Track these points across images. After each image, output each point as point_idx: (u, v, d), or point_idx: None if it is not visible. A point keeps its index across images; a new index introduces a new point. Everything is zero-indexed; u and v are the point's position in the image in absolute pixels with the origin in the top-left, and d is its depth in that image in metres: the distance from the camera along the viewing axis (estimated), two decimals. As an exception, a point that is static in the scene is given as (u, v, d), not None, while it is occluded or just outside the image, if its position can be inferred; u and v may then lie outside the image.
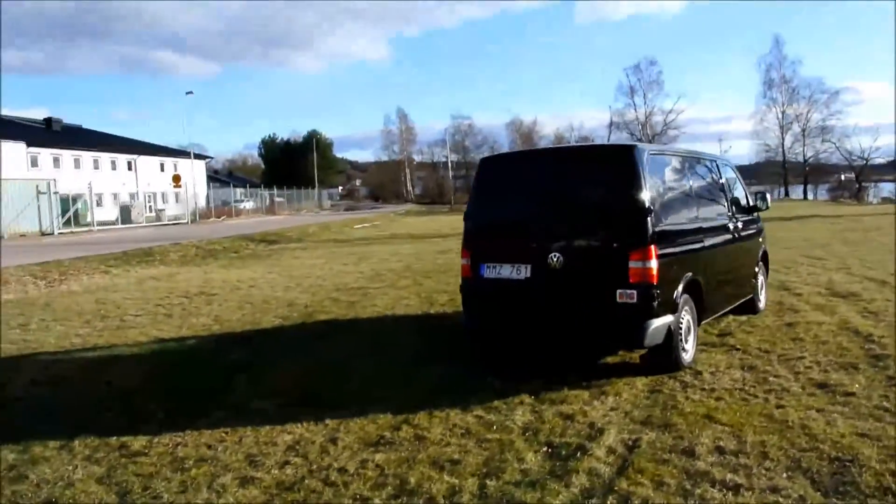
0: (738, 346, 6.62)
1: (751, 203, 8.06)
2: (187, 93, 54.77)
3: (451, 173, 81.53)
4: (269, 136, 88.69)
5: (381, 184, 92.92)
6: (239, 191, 61.50)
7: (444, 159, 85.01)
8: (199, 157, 64.64)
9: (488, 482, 3.83)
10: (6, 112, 48.89)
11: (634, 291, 5.37)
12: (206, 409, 5.36)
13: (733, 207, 7.40)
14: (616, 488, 3.68)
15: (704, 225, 6.44)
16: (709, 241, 6.48)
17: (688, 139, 71.87)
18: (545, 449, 4.30)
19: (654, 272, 5.37)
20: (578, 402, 5.14)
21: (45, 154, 42.42)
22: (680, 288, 5.74)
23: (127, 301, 11.56)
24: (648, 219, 5.41)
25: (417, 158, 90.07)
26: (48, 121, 52.17)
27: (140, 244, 22.34)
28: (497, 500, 3.62)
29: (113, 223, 35.23)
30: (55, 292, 13.28)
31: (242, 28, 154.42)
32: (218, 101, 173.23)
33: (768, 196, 8.26)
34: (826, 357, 6.11)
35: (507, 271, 5.95)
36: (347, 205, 78.96)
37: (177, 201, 46.06)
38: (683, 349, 5.88)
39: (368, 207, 72.41)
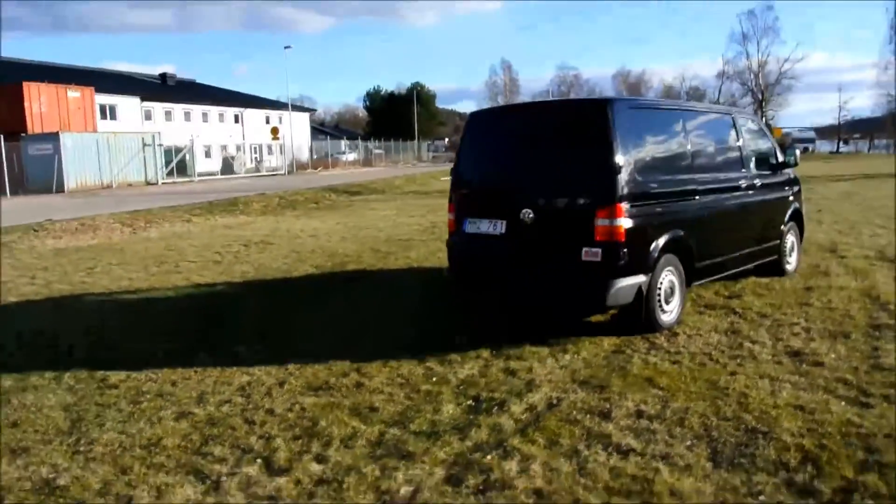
0: (738, 309, 6.32)
1: (779, 159, 7.53)
2: (285, 47, 56.03)
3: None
4: (374, 88, 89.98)
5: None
6: (343, 142, 63.68)
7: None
8: (302, 109, 66.74)
9: (390, 430, 3.96)
10: (127, 68, 52.42)
11: (599, 250, 5.25)
12: (195, 350, 5.77)
13: (750, 164, 6.95)
14: (506, 444, 3.71)
15: (701, 183, 6.11)
16: (707, 200, 6.16)
17: (805, 89, 66.80)
18: (469, 402, 4.37)
19: (622, 231, 5.21)
20: (533, 358, 5.14)
21: (158, 108, 45.21)
22: (658, 248, 5.54)
23: (191, 248, 12.39)
24: (618, 176, 5.22)
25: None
26: (163, 76, 55.46)
27: (231, 194, 23.62)
28: (386, 448, 3.75)
29: (215, 174, 37.31)
30: (134, 238, 14.42)
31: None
32: (331, 54, 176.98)
33: (797, 152, 7.68)
34: (822, 324, 5.74)
35: (485, 226, 5.95)
36: (449, 157, 78.84)
37: (281, 153, 47.94)
38: (662, 310, 5.69)
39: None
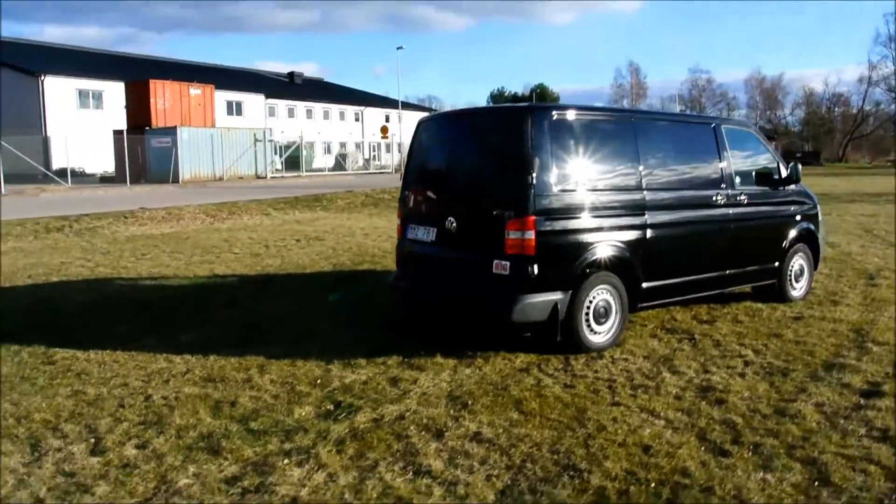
0: (697, 336, 5.87)
1: (782, 175, 6.88)
2: (398, 48, 57.50)
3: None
4: (498, 90, 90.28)
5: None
6: None
7: (674, 115, 79.81)
8: (421, 109, 68.20)
9: (229, 425, 4.08)
10: (275, 67, 55.76)
11: (508, 263, 5.08)
12: (148, 335, 6.15)
13: (735, 179, 6.41)
14: (313, 451, 3.72)
15: (654, 198, 5.72)
16: (662, 216, 5.76)
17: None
18: (328, 407, 4.39)
19: (532, 244, 5.01)
20: (432, 369, 5.06)
21: (281, 105, 47.89)
22: (584, 264, 5.27)
23: (247, 240, 13.13)
24: (531, 188, 5.02)
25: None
26: (291, 75, 58.67)
27: (324, 190, 24.67)
28: (207, 441, 3.86)
29: (325, 170, 39.02)
30: (206, 228, 15.47)
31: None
32: (468, 54, 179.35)
33: (799, 166, 6.96)
34: (770, 360, 5.21)
35: (421, 233, 5.92)
36: None
37: (392, 151, 49.27)
38: (592, 331, 5.40)
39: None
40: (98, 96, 35.25)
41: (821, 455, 3.59)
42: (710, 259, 6.23)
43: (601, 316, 5.45)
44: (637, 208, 5.61)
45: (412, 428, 4.03)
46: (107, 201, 20.23)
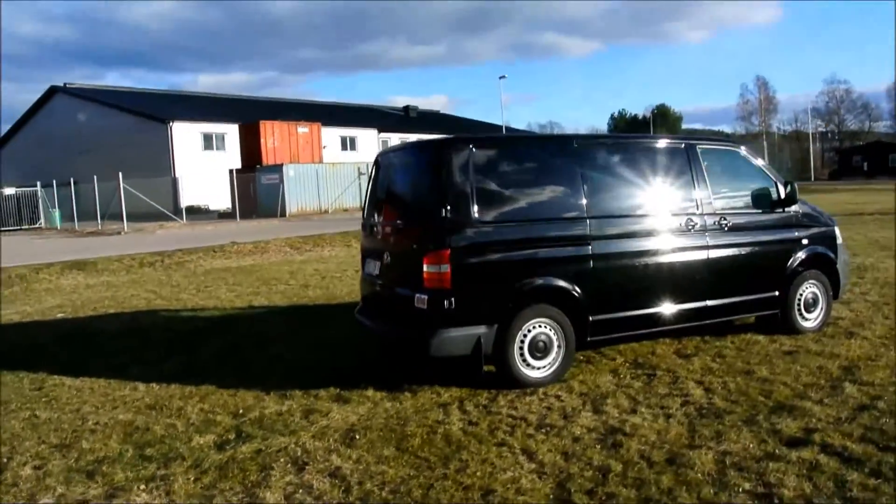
0: (659, 371, 5.46)
1: (780, 196, 6.30)
2: (500, 77, 57.82)
3: (815, 145, 71.02)
4: (620, 112, 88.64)
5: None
6: None
7: (814, 130, 74.46)
8: (535, 136, 68.26)
9: (127, 450, 4.34)
10: (405, 101, 58.01)
11: (426, 297, 5.03)
12: (136, 365, 6.64)
13: (713, 202, 5.94)
14: (171, 477, 3.88)
15: (602, 226, 5.43)
16: (614, 245, 5.46)
17: None
18: (230, 436, 4.54)
19: (448, 277, 4.94)
20: (356, 402, 5.07)
21: (395, 138, 49.55)
22: (512, 297, 5.11)
23: (310, 271, 13.71)
24: (446, 220, 4.96)
25: (779, 130, 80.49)
26: (406, 108, 60.69)
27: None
28: (96, 467, 4.12)
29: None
30: (282, 260, 16.32)
31: (626, 5, 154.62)
32: (593, 78, 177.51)
33: (796, 187, 6.29)
34: (713, 400, 4.77)
35: (370, 267, 6.00)
36: None
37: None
38: (528, 365, 5.20)
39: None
40: (221, 138, 38.34)
41: (673, 509, 3.27)
42: (680, 290, 5.79)
43: (540, 350, 5.24)
44: (580, 238, 5.35)
45: (282, 461, 4.09)
46: (211, 236, 21.84)
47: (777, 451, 3.89)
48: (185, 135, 37.55)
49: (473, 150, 5.11)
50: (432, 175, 5.11)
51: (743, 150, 6.42)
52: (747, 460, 3.79)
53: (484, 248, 5.07)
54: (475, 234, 5.03)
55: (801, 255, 6.39)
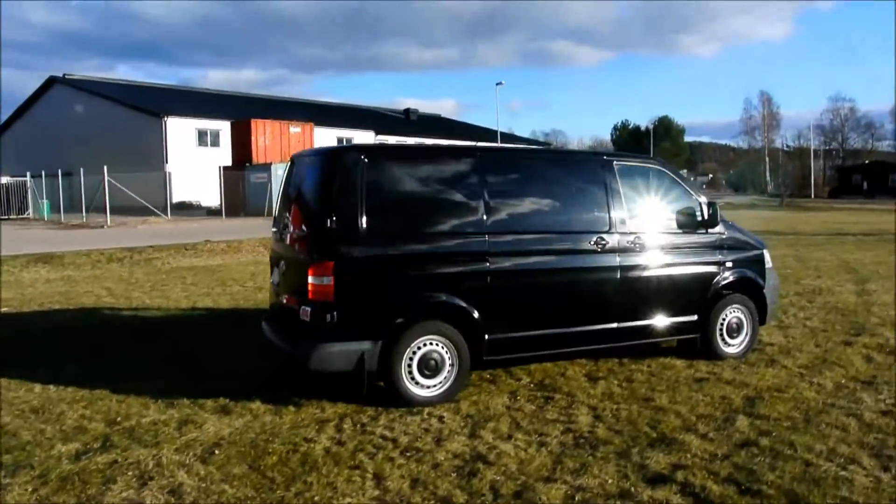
0: (557, 395, 5.30)
1: (704, 217, 6.12)
2: (497, 84, 57.70)
3: (817, 162, 70.63)
4: (622, 122, 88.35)
5: (741, 172, 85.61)
6: None
7: (816, 147, 74.09)
8: (538, 143, 68.10)
9: None
10: (413, 103, 58.10)
11: (309, 309, 4.88)
12: (66, 365, 6.51)
13: (628, 222, 5.76)
14: (7, 488, 3.74)
15: (501, 243, 5.25)
16: (513, 263, 5.29)
17: None
18: (93, 445, 4.40)
19: (332, 291, 4.79)
20: (236, 415, 4.93)
21: (392, 140, 49.49)
22: (400, 312, 4.95)
23: (267, 275, 13.49)
24: (331, 232, 4.82)
25: (782, 145, 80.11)
26: (406, 111, 60.59)
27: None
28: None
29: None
30: (249, 260, 16.19)
31: (638, 15, 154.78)
32: (601, 88, 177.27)
33: (717, 208, 6.11)
34: (596, 430, 4.59)
35: (274, 276, 5.86)
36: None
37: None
38: (417, 383, 5.04)
39: (710, 197, 67.21)
40: (216, 135, 38.30)
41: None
42: (586, 311, 5.63)
43: (431, 369, 5.08)
44: (477, 254, 5.19)
45: (130, 474, 3.95)
46: (192, 233, 21.73)
47: (633, 488, 3.72)
48: (180, 130, 37.55)
49: (366, 160, 4.95)
50: (322, 184, 4.97)
51: (666, 169, 6.25)
52: (598, 497, 3.63)
53: (371, 261, 4.92)
54: (362, 247, 4.88)
55: (724, 278, 6.21)
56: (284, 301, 5.42)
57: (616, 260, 5.69)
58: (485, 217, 5.23)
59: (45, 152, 38.67)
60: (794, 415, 4.79)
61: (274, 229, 5.99)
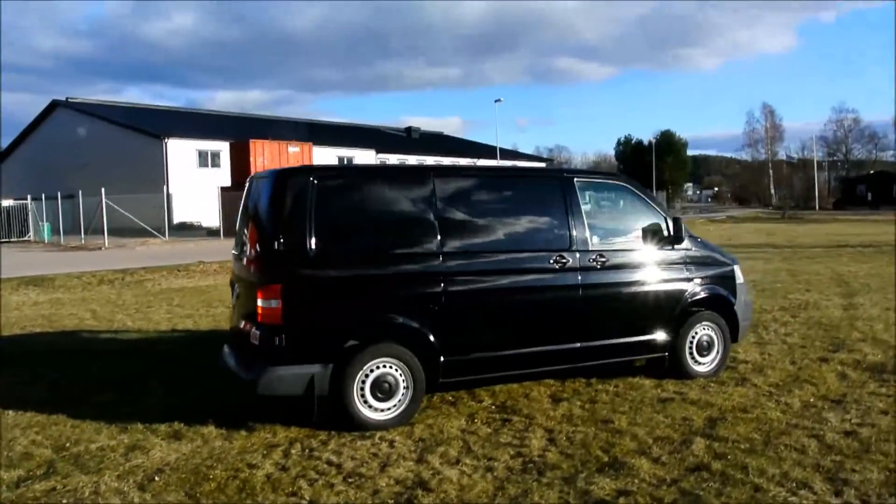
0: (515, 418, 5.19)
1: (670, 233, 6.02)
2: (496, 101, 58.00)
3: (822, 173, 70.36)
4: (625, 137, 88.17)
5: (745, 185, 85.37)
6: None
7: (820, 159, 73.85)
8: (539, 159, 68.18)
9: None
10: (418, 121, 58.40)
11: (258, 332, 4.82)
12: (30, 387, 6.46)
13: (589, 239, 5.67)
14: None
15: (458, 263, 5.17)
16: (469, 285, 5.21)
17: None
18: (38, 472, 4.34)
19: (279, 314, 4.72)
20: (186, 440, 4.85)
21: (393, 159, 49.64)
22: (351, 335, 4.88)
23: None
24: (278, 254, 4.77)
25: (787, 157, 79.90)
26: (408, 129, 60.83)
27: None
28: None
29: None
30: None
31: (643, 30, 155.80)
32: (605, 103, 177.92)
33: (681, 223, 5.99)
34: (547, 454, 4.49)
35: (232, 297, 5.80)
36: (685, 207, 75.78)
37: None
38: (369, 406, 4.95)
39: (713, 211, 67.08)
40: (216, 155, 38.48)
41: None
42: (546, 331, 5.53)
43: (385, 392, 4.99)
44: (432, 275, 5.11)
45: (64, 502, 3.89)
46: (188, 254, 21.74)
47: (574, 514, 3.61)
48: (181, 151, 37.76)
49: (314, 181, 4.90)
50: (271, 206, 4.92)
51: (630, 186, 6.16)
52: (535, 525, 3.52)
53: (320, 283, 4.85)
54: (311, 269, 4.82)
55: (692, 295, 6.11)
56: (241, 324, 5.35)
57: (577, 278, 5.60)
58: (439, 237, 5.16)
59: (48, 175, 38.96)
60: (754, 436, 4.66)
61: (234, 251, 5.94)
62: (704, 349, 6.20)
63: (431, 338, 5.08)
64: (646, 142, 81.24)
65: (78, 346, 8.58)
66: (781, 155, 77.11)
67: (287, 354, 4.75)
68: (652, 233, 6.00)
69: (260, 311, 4.79)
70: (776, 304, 10.06)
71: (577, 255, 5.61)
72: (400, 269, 5.06)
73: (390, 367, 5.01)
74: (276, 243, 4.77)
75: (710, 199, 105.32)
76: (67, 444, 4.85)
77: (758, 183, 79.65)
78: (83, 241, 26.91)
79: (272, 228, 4.83)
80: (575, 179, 5.82)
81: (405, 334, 5.04)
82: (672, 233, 5.97)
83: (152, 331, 9.58)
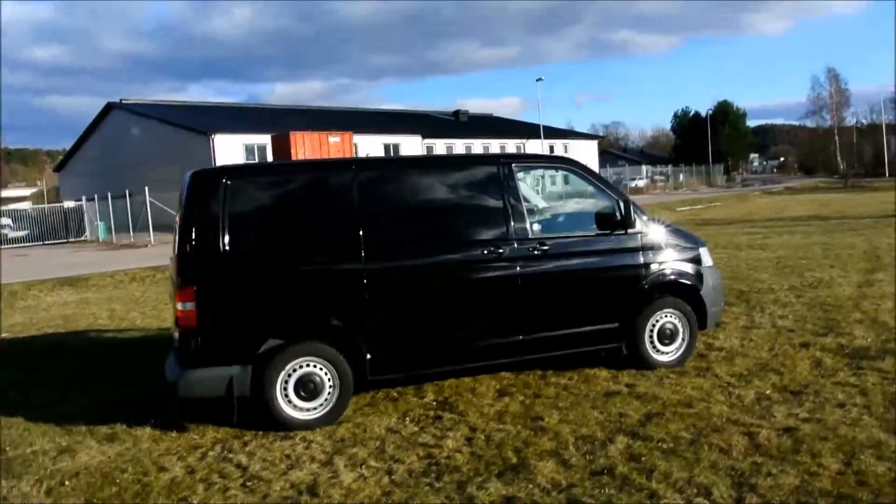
0: (447, 414, 5.07)
1: (621, 217, 5.71)
2: (537, 80, 56.75)
3: (889, 139, 66.24)
4: (682, 110, 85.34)
5: (811, 154, 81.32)
6: (644, 168, 64.62)
7: (889, 122, 69.58)
8: (590, 137, 66.75)
9: None
10: (476, 103, 58.31)
11: (177, 335, 4.83)
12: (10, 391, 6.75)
13: (529, 227, 5.44)
14: None
15: (382, 259, 5.04)
16: (394, 280, 5.09)
17: None
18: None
19: (194, 316, 4.72)
20: (119, 441, 4.93)
21: (440, 144, 49.53)
22: (270, 335, 4.83)
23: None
24: (191, 256, 4.75)
25: (856, 123, 75.58)
26: (456, 113, 60.42)
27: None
28: None
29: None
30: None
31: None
32: (666, 76, 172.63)
33: (630, 207, 5.63)
34: (458, 455, 4.34)
35: (175, 299, 5.84)
36: (746, 180, 73.20)
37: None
38: (294, 407, 4.92)
39: (775, 182, 64.28)
40: (263, 149, 39.20)
41: None
42: (482, 324, 5.35)
43: (310, 391, 4.94)
44: (354, 272, 5.01)
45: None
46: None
47: (449, 522, 3.48)
48: (228, 146, 38.63)
49: (227, 181, 4.86)
50: (185, 207, 4.90)
51: (577, 168, 5.88)
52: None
53: (236, 283, 4.82)
54: (225, 270, 4.79)
55: (649, 281, 5.80)
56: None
57: (515, 269, 5.38)
58: (361, 232, 5.05)
59: (106, 175, 40.55)
60: (683, 435, 4.39)
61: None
62: (667, 337, 5.89)
63: (355, 335, 4.99)
64: (703, 114, 78.54)
65: (79, 346, 8.85)
66: (850, 121, 73.01)
67: (204, 356, 4.75)
68: (601, 217, 5.71)
69: (178, 314, 4.80)
70: (787, 283, 9.52)
71: (515, 244, 5.39)
72: (321, 265, 4.99)
73: (314, 367, 4.95)
74: (188, 246, 4.77)
75: (774, 170, 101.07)
76: (7, 449, 4.99)
77: (824, 151, 75.66)
78: (132, 240, 27.92)
79: (187, 229, 4.82)
80: (513, 164, 5.59)
81: (328, 332, 4.97)
82: (622, 217, 5.66)
83: (154, 329, 9.82)
